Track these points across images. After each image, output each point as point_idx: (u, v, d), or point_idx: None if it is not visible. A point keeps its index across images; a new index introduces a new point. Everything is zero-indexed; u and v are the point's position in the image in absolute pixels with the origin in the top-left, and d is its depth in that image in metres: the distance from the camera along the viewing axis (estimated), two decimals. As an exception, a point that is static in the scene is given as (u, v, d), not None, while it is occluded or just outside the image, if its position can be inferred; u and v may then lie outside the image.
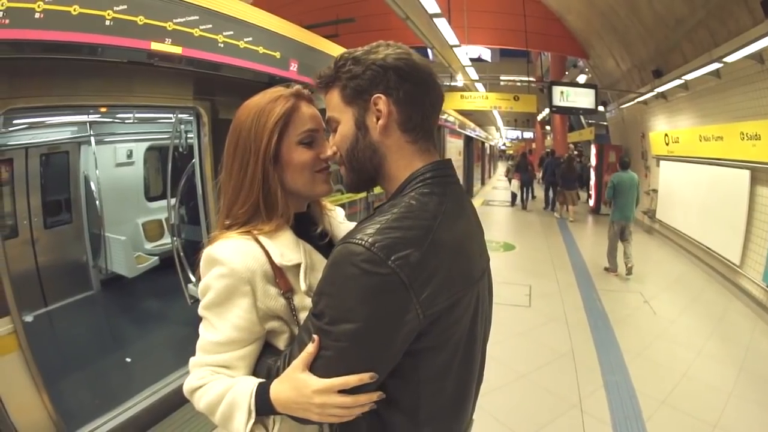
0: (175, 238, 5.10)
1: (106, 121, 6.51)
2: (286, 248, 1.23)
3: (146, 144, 7.44)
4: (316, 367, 1.02)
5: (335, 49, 5.14)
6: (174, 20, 3.14)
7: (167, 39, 3.11)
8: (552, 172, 16.50)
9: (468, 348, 1.16)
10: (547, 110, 17.12)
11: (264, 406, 1.07)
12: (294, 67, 4.36)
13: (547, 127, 30.25)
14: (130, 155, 7.27)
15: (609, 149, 15.70)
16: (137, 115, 6.16)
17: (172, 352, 4.95)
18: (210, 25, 3.42)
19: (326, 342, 1.01)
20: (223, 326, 1.16)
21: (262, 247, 1.21)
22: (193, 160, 4.36)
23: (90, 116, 6.04)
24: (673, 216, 10.81)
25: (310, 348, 1.02)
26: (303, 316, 1.18)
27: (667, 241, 11.07)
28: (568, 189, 15.09)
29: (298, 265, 1.23)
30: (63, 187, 6.31)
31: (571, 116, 23.16)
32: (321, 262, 1.27)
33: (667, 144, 10.76)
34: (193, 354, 1.22)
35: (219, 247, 1.18)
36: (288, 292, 1.20)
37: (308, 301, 1.17)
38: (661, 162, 11.53)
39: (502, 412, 4.00)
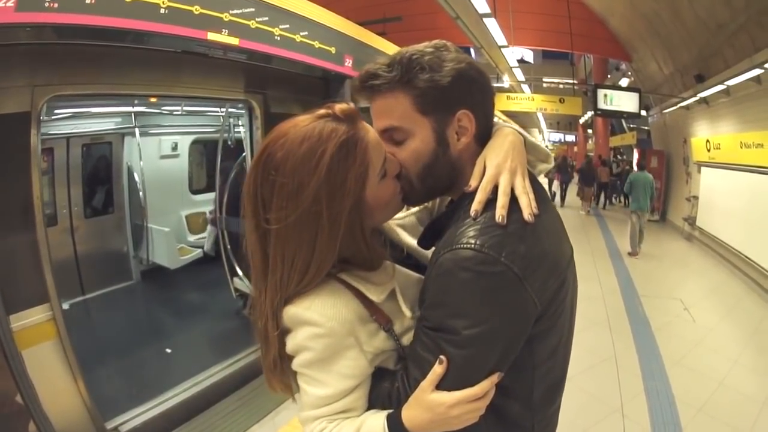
0: (223, 231, 5.07)
1: (151, 113, 6.54)
2: (375, 277, 1.09)
3: (191, 137, 7.47)
4: (445, 378, 0.97)
5: (388, 47, 5.09)
6: (230, 11, 3.10)
7: (224, 30, 3.07)
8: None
9: (570, 325, 1.17)
10: (589, 113, 17.07)
11: None
12: (349, 62, 4.27)
13: (590, 131, 29.74)
14: (175, 148, 7.29)
15: (651, 154, 15.41)
16: (185, 108, 6.16)
17: (210, 345, 4.94)
18: (266, 18, 3.37)
19: (451, 351, 0.96)
20: (331, 379, 1.03)
21: (349, 286, 1.06)
22: (244, 154, 4.32)
23: (135, 107, 6.06)
24: (714, 223, 10.58)
25: (438, 369, 0.96)
26: (406, 339, 1.10)
27: (706, 248, 10.83)
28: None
29: (392, 290, 1.10)
30: (104, 178, 6.36)
31: (613, 120, 22.81)
32: (404, 273, 1.19)
33: (709, 150, 10.60)
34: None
35: (304, 306, 1.01)
36: (387, 323, 1.08)
37: (408, 323, 1.11)
38: (703, 168, 11.34)
39: (548, 414, 3.97)
